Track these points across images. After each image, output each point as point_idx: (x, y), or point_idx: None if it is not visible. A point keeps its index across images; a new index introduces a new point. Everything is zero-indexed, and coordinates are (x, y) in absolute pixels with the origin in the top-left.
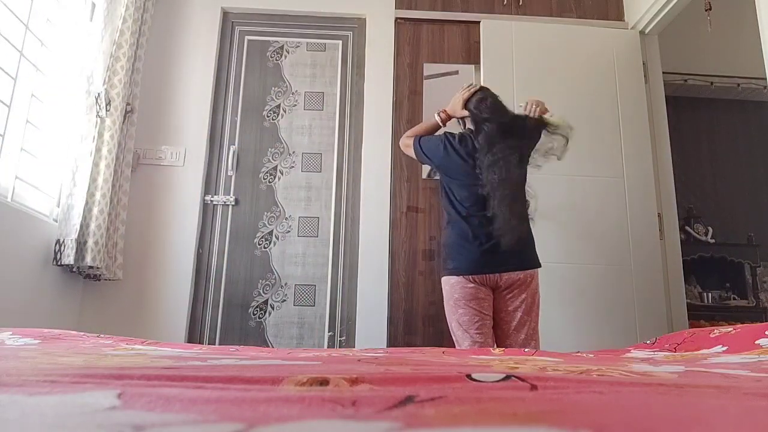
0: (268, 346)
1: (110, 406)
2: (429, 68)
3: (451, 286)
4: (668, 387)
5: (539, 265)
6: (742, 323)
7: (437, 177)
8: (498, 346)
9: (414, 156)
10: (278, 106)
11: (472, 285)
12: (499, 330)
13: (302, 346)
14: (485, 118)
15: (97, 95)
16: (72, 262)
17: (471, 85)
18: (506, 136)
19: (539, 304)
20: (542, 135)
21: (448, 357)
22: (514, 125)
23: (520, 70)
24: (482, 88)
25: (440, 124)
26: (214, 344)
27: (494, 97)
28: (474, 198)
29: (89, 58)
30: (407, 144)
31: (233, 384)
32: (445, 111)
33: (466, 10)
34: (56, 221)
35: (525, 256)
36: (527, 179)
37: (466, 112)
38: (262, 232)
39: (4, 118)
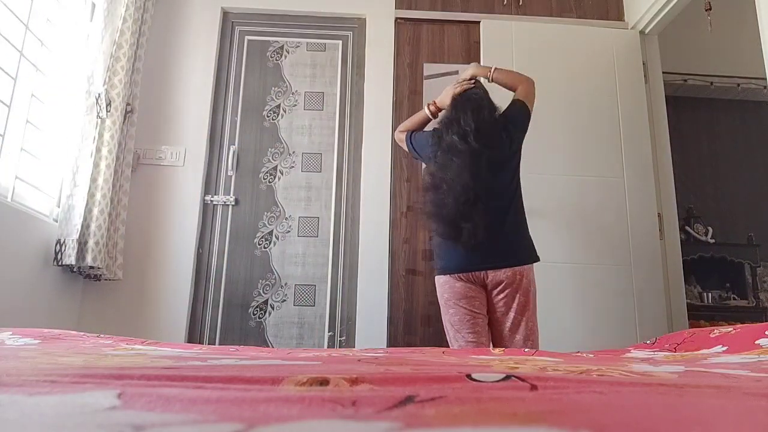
0: (268, 346)
1: (110, 406)
2: (429, 68)
3: (441, 285)
4: (668, 387)
5: (530, 262)
6: (742, 323)
7: None
8: (495, 347)
9: (407, 151)
10: (278, 106)
11: (461, 283)
12: (495, 331)
13: (302, 346)
14: (467, 117)
15: (97, 95)
16: (73, 263)
17: (467, 80)
18: (489, 135)
19: (535, 302)
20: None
21: (448, 357)
22: (496, 124)
23: (520, 70)
24: (477, 84)
25: (429, 116)
26: (214, 344)
27: (481, 98)
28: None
29: (89, 58)
30: (401, 138)
31: (233, 384)
32: (434, 103)
33: (466, 10)
34: (56, 221)
35: (512, 254)
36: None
37: None
38: (262, 232)
39: (4, 118)
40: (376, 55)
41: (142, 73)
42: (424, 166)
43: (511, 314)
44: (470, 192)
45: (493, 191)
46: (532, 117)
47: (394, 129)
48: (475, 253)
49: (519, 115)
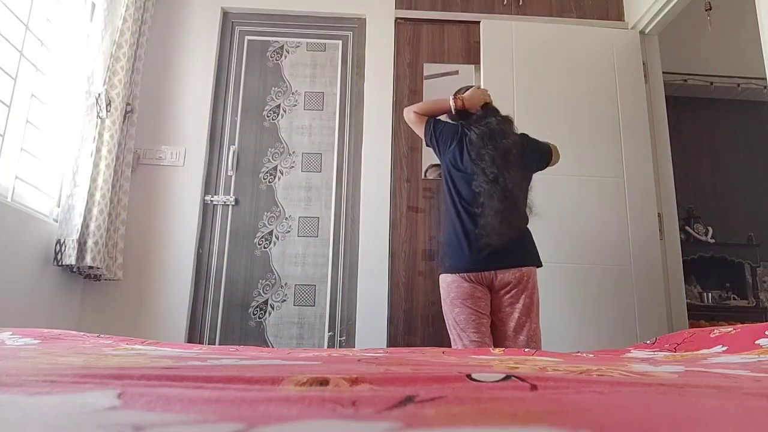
0: (268, 346)
1: (110, 406)
2: (429, 68)
3: (448, 284)
4: (668, 387)
5: (537, 264)
6: (742, 323)
7: (431, 177)
8: (498, 348)
9: (420, 133)
10: (278, 106)
11: (468, 284)
12: (498, 332)
13: (302, 346)
14: (497, 119)
15: (97, 96)
16: (73, 263)
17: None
18: (508, 142)
19: (538, 305)
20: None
21: (448, 357)
22: (514, 136)
23: (520, 70)
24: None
25: (452, 110)
26: (214, 344)
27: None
28: (473, 194)
29: (89, 58)
30: (414, 120)
31: (233, 384)
32: (462, 99)
33: (466, 10)
34: (56, 221)
35: (521, 255)
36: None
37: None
38: (262, 232)
39: (4, 118)
40: (376, 55)
41: (142, 73)
42: (426, 168)
43: (516, 315)
44: (502, 189)
45: (518, 196)
46: (532, 118)
47: (394, 129)
48: (485, 253)
49: (546, 155)
